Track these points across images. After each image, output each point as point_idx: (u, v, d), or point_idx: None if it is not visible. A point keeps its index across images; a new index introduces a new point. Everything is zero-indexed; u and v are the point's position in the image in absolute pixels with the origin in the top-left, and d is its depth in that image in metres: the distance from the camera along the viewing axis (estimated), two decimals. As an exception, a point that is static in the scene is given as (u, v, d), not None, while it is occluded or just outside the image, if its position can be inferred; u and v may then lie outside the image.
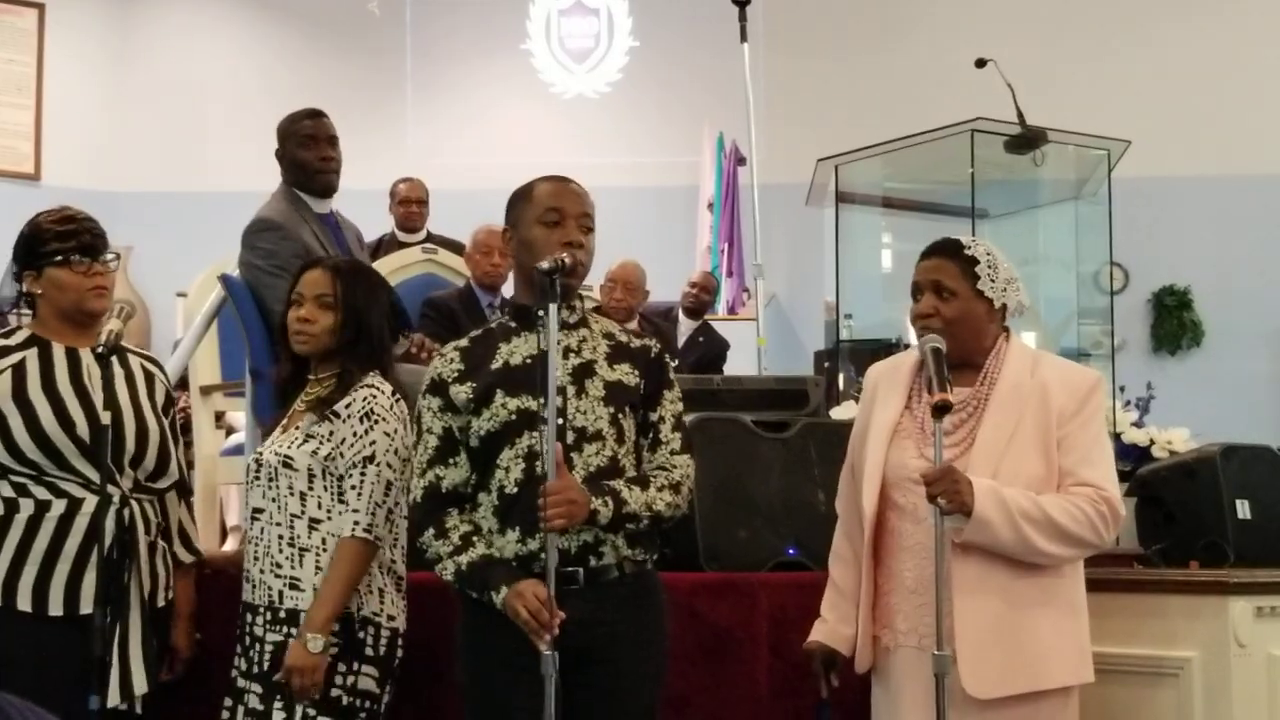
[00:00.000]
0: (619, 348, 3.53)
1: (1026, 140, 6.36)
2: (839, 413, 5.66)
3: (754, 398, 5.29)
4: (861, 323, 7.07)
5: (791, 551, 4.52)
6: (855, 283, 7.13)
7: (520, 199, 3.52)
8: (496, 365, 3.43)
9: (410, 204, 8.54)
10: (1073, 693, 3.53)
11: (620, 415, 3.43)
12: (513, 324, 3.52)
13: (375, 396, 3.78)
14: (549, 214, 3.44)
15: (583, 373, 3.42)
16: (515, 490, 3.35)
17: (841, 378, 6.75)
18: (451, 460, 3.43)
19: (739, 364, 8.84)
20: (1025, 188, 6.90)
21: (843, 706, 3.78)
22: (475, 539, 3.38)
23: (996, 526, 3.38)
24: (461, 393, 3.41)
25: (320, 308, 3.88)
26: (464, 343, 3.53)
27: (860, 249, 7.22)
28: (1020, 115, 6.33)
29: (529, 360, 3.40)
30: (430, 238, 8.22)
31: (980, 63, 6.46)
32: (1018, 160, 6.53)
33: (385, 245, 8.13)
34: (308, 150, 5.23)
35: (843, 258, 6.95)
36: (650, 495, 3.39)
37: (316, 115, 5.32)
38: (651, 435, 3.51)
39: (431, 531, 3.41)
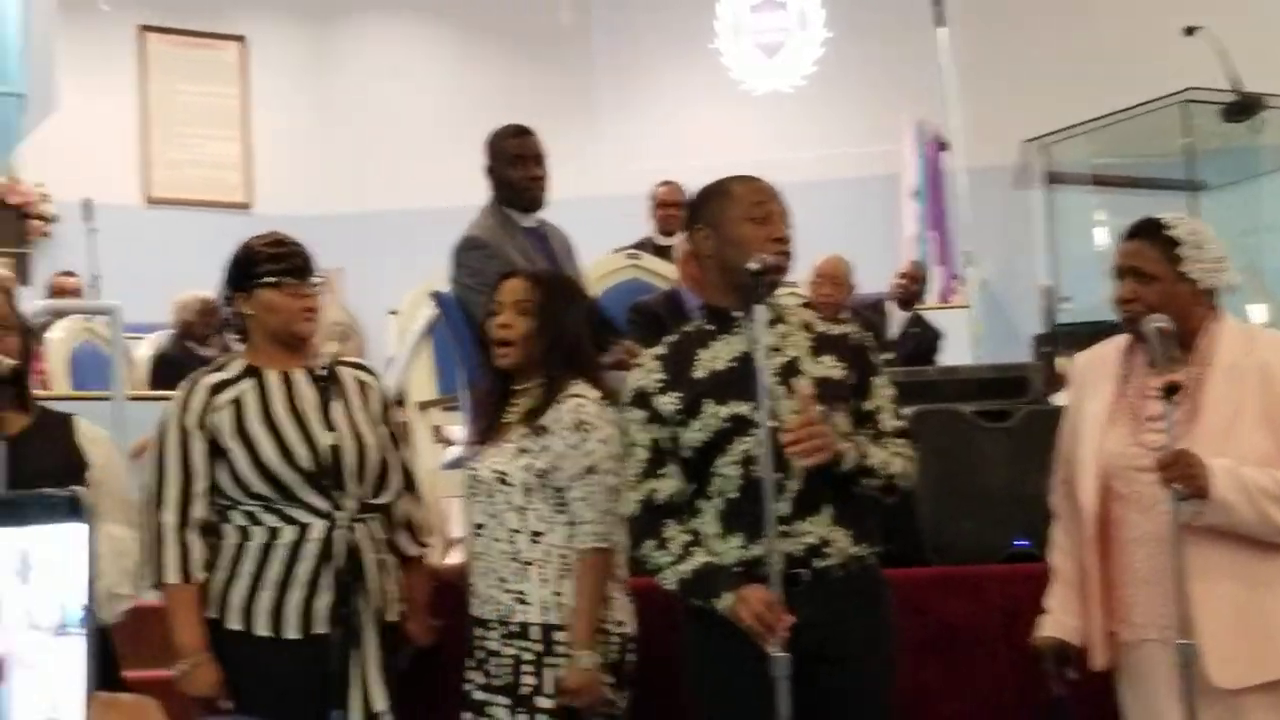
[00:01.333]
0: (821, 339, 3.46)
1: (1243, 107, 6.18)
2: (1061, 399, 5.53)
3: (972, 387, 5.19)
4: (1079, 304, 6.92)
5: (1020, 542, 4.42)
6: (1069, 264, 7.00)
7: (716, 197, 3.46)
8: (700, 373, 3.38)
9: (668, 207, 8.50)
10: None
11: (831, 411, 3.35)
12: (709, 327, 3.46)
13: (583, 405, 3.76)
14: (755, 209, 3.39)
15: (788, 371, 3.36)
16: (737, 496, 3.31)
17: (1058, 361, 6.60)
18: (662, 472, 3.39)
19: (953, 353, 8.71)
20: (1244, 156, 6.70)
21: (1080, 700, 3.67)
22: (694, 548, 3.34)
23: (1237, 507, 3.26)
24: (668, 403, 3.37)
25: (518, 314, 3.87)
26: (661, 350, 3.48)
27: (1072, 229, 7.08)
28: (1236, 81, 6.13)
29: (734, 364, 3.36)
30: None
31: (1189, 30, 6.29)
32: (1234, 128, 6.34)
33: (645, 248, 8.11)
34: (515, 168, 5.27)
35: (1055, 239, 6.82)
36: (888, 456, 3.36)
37: (523, 133, 5.34)
38: (871, 427, 3.44)
39: (651, 543, 3.38)
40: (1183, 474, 3.24)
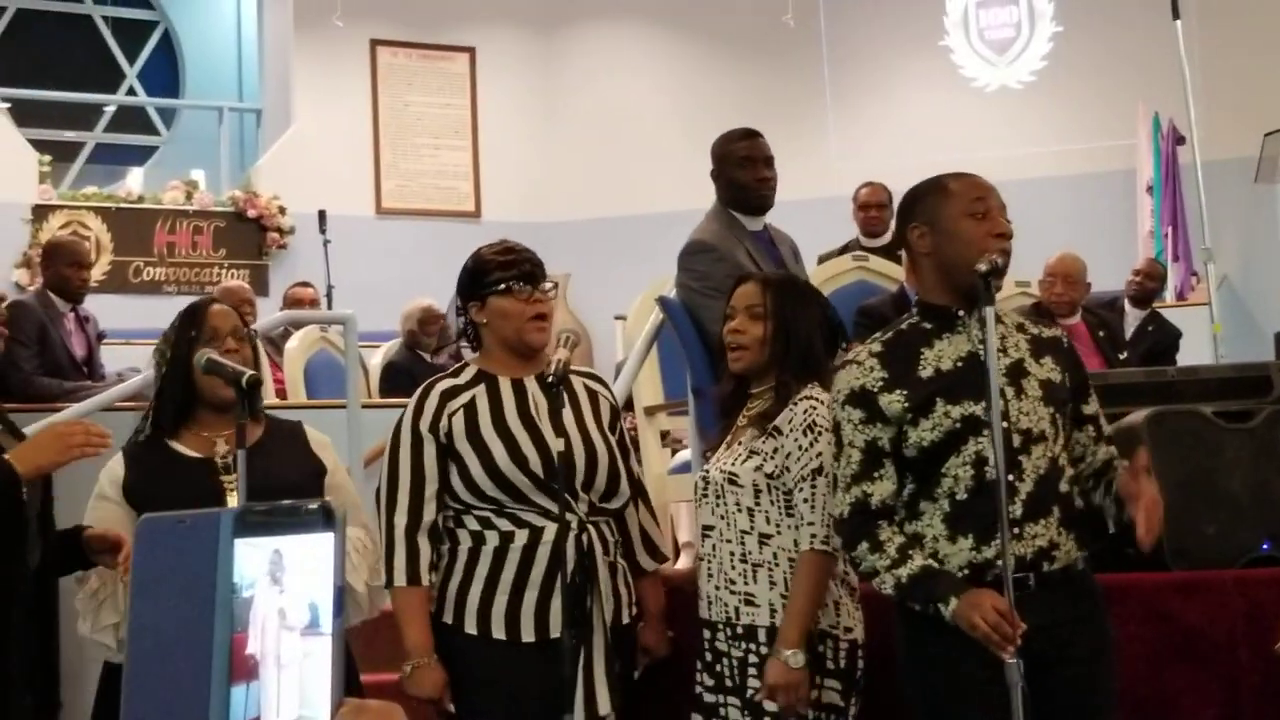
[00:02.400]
0: (1036, 341, 3.43)
1: None
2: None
3: (1212, 387, 5.04)
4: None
5: (1266, 546, 4.29)
6: (1313, 259, 6.77)
7: (932, 193, 3.42)
8: (926, 372, 3.33)
9: (870, 209, 8.49)
10: None
11: (1058, 414, 3.34)
12: (927, 325, 3.40)
13: (815, 408, 3.75)
14: (976, 204, 3.34)
15: (1017, 372, 3.33)
16: (966, 497, 3.27)
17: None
18: (877, 474, 3.34)
19: (1192, 352, 8.49)
20: None
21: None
22: (912, 551, 3.28)
23: None
24: (894, 402, 3.31)
25: (751, 319, 3.89)
26: (877, 347, 3.41)
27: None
28: None
29: (960, 364, 3.32)
30: (894, 242, 8.15)
31: None
32: None
33: (850, 250, 8.10)
34: (744, 170, 5.25)
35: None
36: None
37: (752, 135, 5.33)
38: (1094, 429, 3.45)
39: (865, 545, 3.32)
40: None
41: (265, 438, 3.89)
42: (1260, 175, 6.83)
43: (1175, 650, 4.12)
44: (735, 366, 3.93)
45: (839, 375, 3.43)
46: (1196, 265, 9.98)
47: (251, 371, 3.66)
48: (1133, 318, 8.79)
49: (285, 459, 3.88)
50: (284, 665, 1.48)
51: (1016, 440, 3.26)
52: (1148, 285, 9.02)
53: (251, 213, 12.31)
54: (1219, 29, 11.20)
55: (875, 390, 3.34)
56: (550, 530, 3.81)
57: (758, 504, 3.77)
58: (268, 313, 9.45)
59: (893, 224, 8.28)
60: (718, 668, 3.81)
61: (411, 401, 3.98)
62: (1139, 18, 10.70)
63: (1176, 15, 7.24)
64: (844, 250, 8.00)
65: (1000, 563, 3.14)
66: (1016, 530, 3.21)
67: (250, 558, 1.48)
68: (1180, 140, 10.40)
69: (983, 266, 3.19)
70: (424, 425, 3.90)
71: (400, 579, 3.82)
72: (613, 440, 4.03)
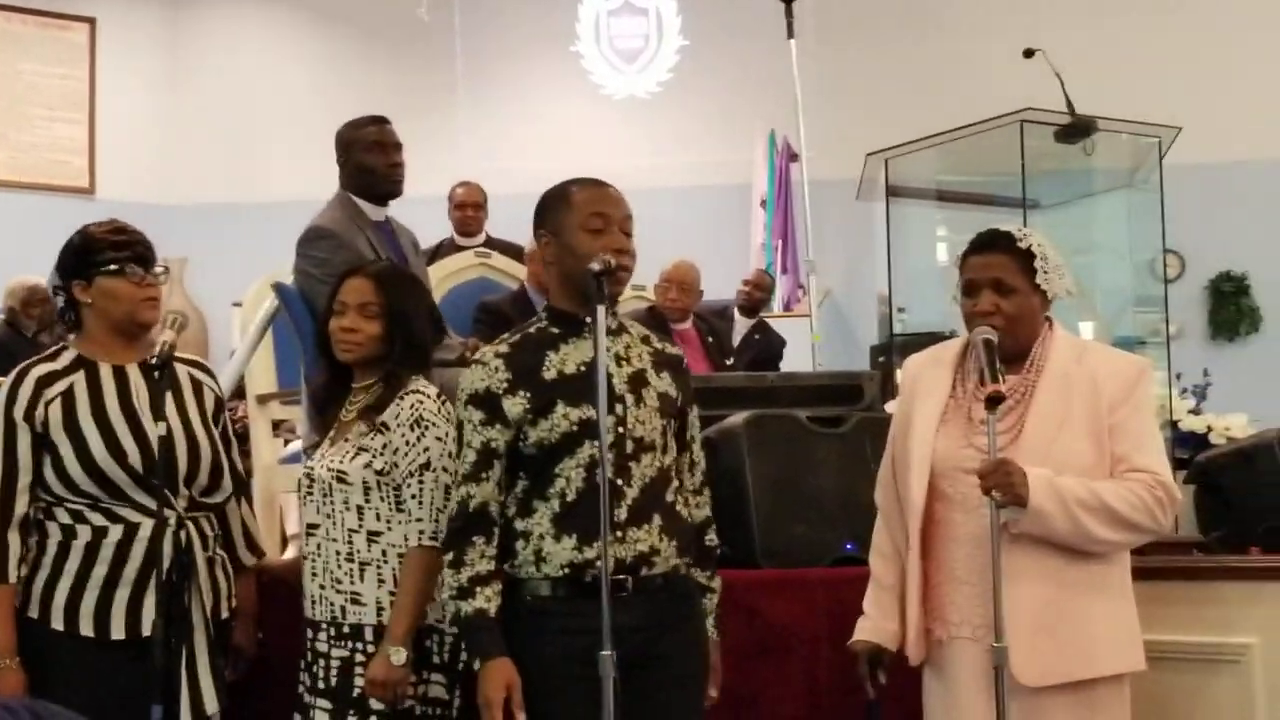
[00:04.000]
0: (659, 355, 3.51)
1: (1076, 129, 6.35)
2: (894, 407, 5.65)
3: (809, 394, 5.28)
4: (916, 316, 7.07)
5: (850, 547, 4.51)
6: (909, 276, 7.13)
7: (556, 203, 3.45)
8: (550, 374, 3.36)
9: (466, 208, 8.53)
10: (1125, 680, 3.52)
11: (668, 426, 3.43)
12: (555, 330, 3.44)
13: (422, 402, 3.75)
14: (593, 220, 3.37)
15: (638, 381, 3.40)
16: (575, 498, 3.32)
17: (897, 372, 6.73)
18: (485, 475, 3.36)
19: (796, 361, 8.82)
20: (1077, 177, 6.88)
21: (899, 701, 3.77)
22: (479, 588, 3.30)
23: (1053, 517, 3.37)
24: (516, 404, 3.33)
25: (365, 317, 3.84)
26: (504, 349, 3.42)
27: (913, 242, 7.22)
28: (1070, 104, 6.31)
29: (583, 368, 3.36)
30: (489, 242, 8.22)
31: (1029, 53, 6.46)
32: (1069, 149, 6.52)
33: (444, 250, 8.14)
34: (373, 155, 5.21)
35: (895, 251, 6.96)
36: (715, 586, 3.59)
37: (381, 121, 5.31)
38: (687, 454, 3.54)
39: (452, 555, 3.35)
40: (1002, 483, 3.33)
41: None
42: (862, 193, 7.16)
43: (762, 645, 4.30)
44: (344, 357, 3.88)
45: (464, 375, 3.44)
46: (803, 278, 10.38)
47: None
48: (741, 326, 9.04)
49: None
50: None
51: (629, 446, 3.32)
52: (756, 295, 9.30)
53: None
54: (831, 51, 11.63)
55: (499, 392, 3.35)
56: (146, 527, 3.73)
57: (367, 501, 3.73)
58: None
59: (486, 224, 8.41)
60: (315, 668, 3.75)
61: (4, 387, 3.84)
62: (759, 36, 11.01)
63: (791, 34, 7.51)
64: (437, 249, 8.05)
65: (599, 563, 3.20)
66: (620, 534, 3.27)
67: None
68: (794, 157, 10.79)
69: (596, 266, 3.24)
70: (18, 413, 3.77)
71: None
72: (215, 433, 3.98)
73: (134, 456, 3.74)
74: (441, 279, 6.59)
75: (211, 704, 3.78)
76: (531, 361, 3.38)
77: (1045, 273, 3.56)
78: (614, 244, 3.35)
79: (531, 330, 3.47)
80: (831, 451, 4.69)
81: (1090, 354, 3.63)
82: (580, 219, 3.38)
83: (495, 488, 3.37)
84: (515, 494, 3.39)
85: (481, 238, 8.39)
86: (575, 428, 3.31)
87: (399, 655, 3.58)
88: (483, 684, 3.24)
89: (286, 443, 6.41)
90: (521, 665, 3.31)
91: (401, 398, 3.77)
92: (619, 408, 3.31)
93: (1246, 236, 11.57)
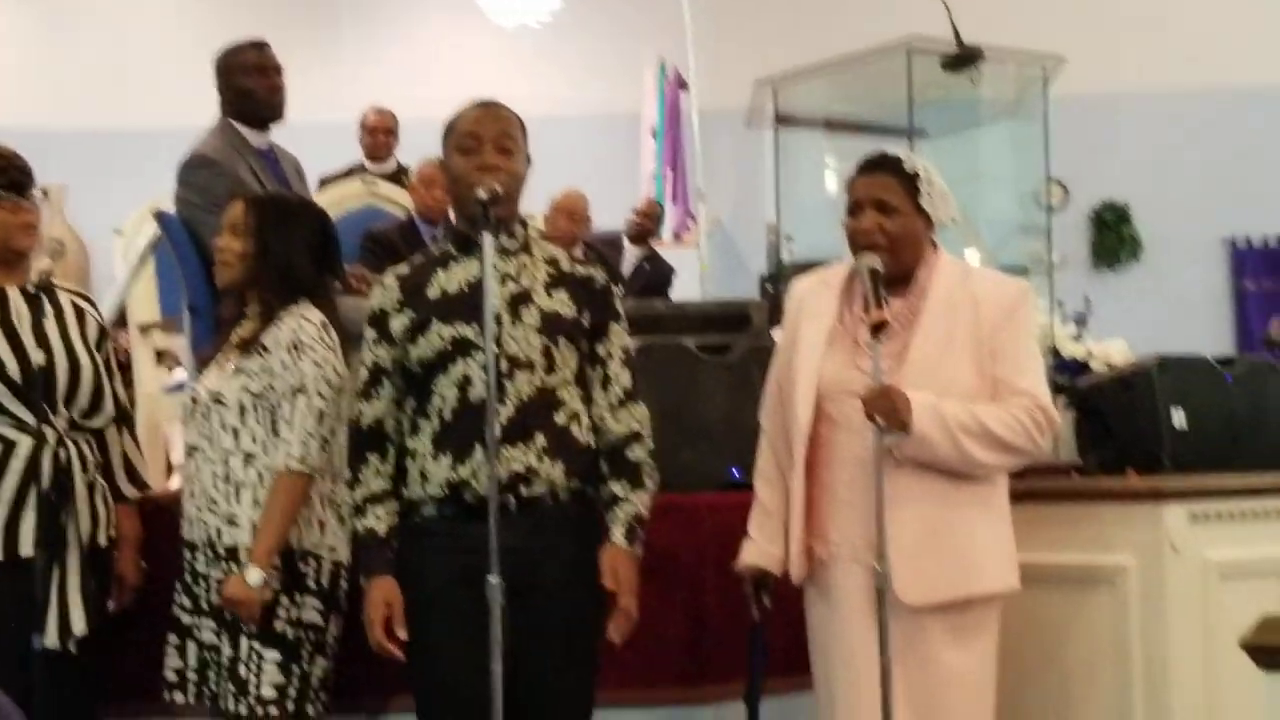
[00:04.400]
0: (560, 275, 3.50)
1: (963, 59, 6.37)
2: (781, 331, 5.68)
3: (697, 322, 5.29)
4: (804, 244, 7.10)
5: (735, 472, 4.54)
6: (797, 205, 7.15)
7: (447, 128, 3.50)
8: (433, 293, 3.41)
9: (377, 133, 8.45)
10: (999, 601, 3.60)
11: (553, 346, 3.41)
12: (452, 250, 3.49)
13: (303, 326, 3.77)
14: (465, 140, 3.42)
15: (519, 300, 3.40)
16: (450, 418, 3.35)
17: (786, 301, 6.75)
18: (374, 393, 3.43)
19: (685, 290, 8.85)
20: (963, 107, 6.91)
21: (784, 626, 3.82)
22: (371, 506, 3.39)
23: (935, 442, 3.42)
24: (399, 322, 3.40)
25: (234, 236, 3.88)
26: (404, 270, 3.51)
27: (801, 171, 7.23)
28: (956, 34, 6.33)
29: (466, 288, 3.39)
30: (401, 168, 8.16)
31: (917, -20, 6.46)
32: (956, 79, 6.54)
33: (354, 174, 8.07)
34: (255, 79, 5.17)
35: (784, 180, 6.97)
36: (646, 496, 3.54)
37: (261, 45, 5.26)
38: (600, 370, 3.51)
39: (349, 475, 3.45)
40: (885, 409, 3.37)
41: None
42: (751, 122, 7.16)
43: (648, 569, 4.30)
44: (218, 281, 3.94)
45: (373, 295, 3.50)
46: (692, 207, 10.39)
47: None
48: (631, 255, 9.07)
49: None
50: None
51: (503, 365, 3.33)
52: (645, 224, 9.31)
53: None
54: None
55: (390, 310, 3.42)
56: (25, 444, 3.71)
57: (243, 423, 3.75)
58: None
59: (398, 150, 8.34)
60: (195, 589, 3.77)
61: None
62: (650, -35, 11.01)
63: (680, -37, 7.49)
64: (349, 174, 7.99)
65: (474, 482, 3.27)
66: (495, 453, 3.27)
67: None
68: (684, 86, 10.77)
69: (482, 194, 3.25)
70: None
71: None
72: (99, 358, 3.95)
73: (12, 369, 3.72)
74: (327, 207, 6.51)
75: (80, 625, 3.76)
76: (420, 280, 3.45)
77: (930, 196, 3.59)
78: (479, 163, 3.39)
79: (435, 252, 3.55)
80: (719, 379, 4.72)
81: (973, 278, 3.67)
82: (456, 141, 3.45)
83: (390, 405, 3.42)
84: (406, 413, 3.43)
85: (392, 164, 8.33)
86: (449, 345, 3.35)
87: (254, 576, 3.60)
88: (365, 603, 3.31)
89: (171, 370, 6.35)
90: (407, 586, 3.35)
91: (282, 322, 3.77)
92: (494, 325, 3.29)
93: (1128, 167, 11.73)
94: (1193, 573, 3.95)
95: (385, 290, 3.47)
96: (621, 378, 3.52)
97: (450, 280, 3.43)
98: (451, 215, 3.62)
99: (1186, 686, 3.91)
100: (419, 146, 6.84)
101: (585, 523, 3.46)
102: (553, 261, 3.52)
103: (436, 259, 3.51)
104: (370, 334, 3.45)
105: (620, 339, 3.55)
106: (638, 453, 3.51)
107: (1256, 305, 11.78)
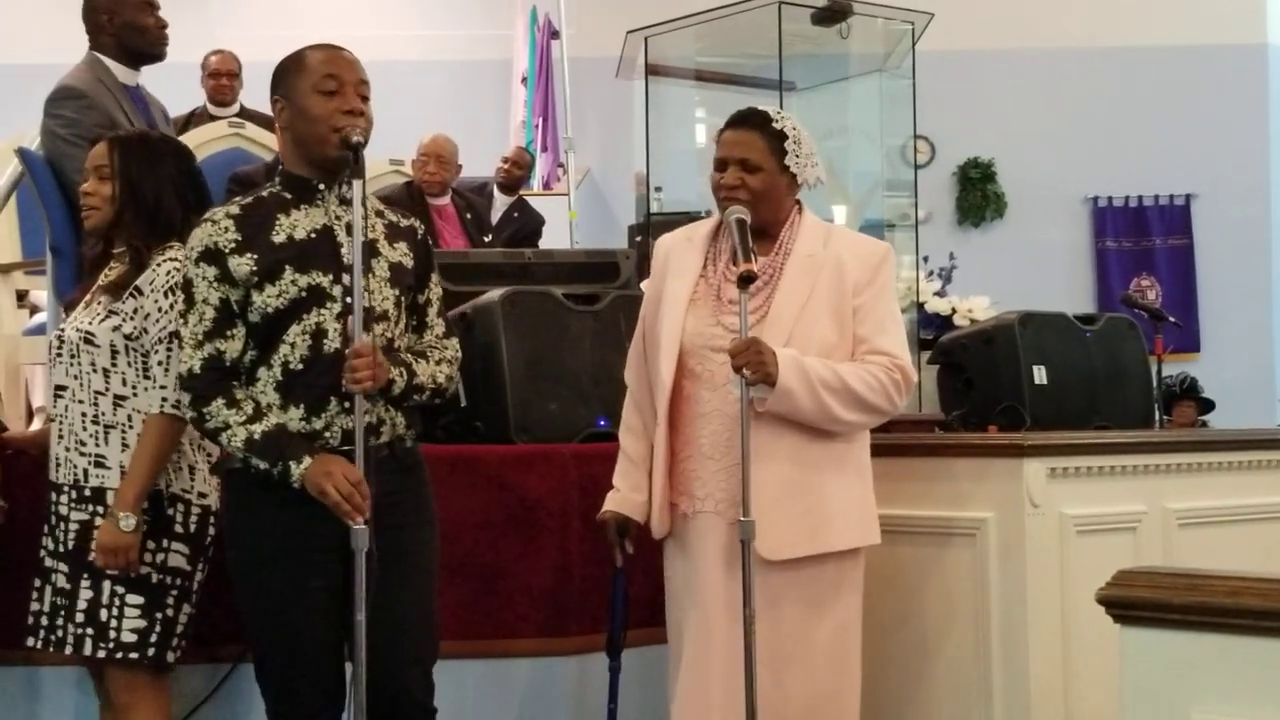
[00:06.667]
0: (393, 227, 3.50)
1: (833, 13, 6.42)
2: (647, 286, 5.70)
3: (565, 271, 5.30)
4: (673, 195, 7.12)
5: (602, 422, 4.56)
6: (666, 156, 7.17)
7: (291, 68, 3.40)
8: (279, 239, 3.33)
9: (221, 76, 8.34)
10: (860, 555, 3.67)
11: (402, 296, 3.44)
12: (288, 195, 3.40)
13: (179, 269, 3.66)
14: (326, 81, 3.34)
15: (370, 252, 3.37)
16: (300, 367, 3.31)
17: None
18: (230, 332, 3.34)
19: (554, 239, 8.84)
20: (832, 61, 6.96)
21: (646, 573, 3.88)
22: (266, 411, 3.32)
23: (798, 396, 3.45)
24: (243, 265, 3.30)
25: (99, 179, 3.81)
26: (235, 210, 3.38)
27: (671, 122, 7.25)
28: (828, -14, 6.37)
29: (314, 235, 3.35)
30: (243, 112, 8.04)
31: (789, -66, 6.49)
32: (825, 33, 6.59)
33: (196, 119, 7.96)
34: (146, 15, 5.11)
35: (654, 131, 6.98)
36: (432, 369, 3.45)
37: None
38: (417, 319, 3.53)
39: (221, 400, 3.31)
40: (752, 361, 3.40)
41: None
42: (621, 72, 7.15)
43: (514, 519, 4.33)
44: (86, 224, 3.86)
45: (194, 233, 3.39)
46: (562, 156, 10.37)
47: None
48: (500, 203, 9.03)
49: None
50: None
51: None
52: (515, 173, 9.28)
53: None
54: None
55: (226, 250, 3.31)
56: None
57: (114, 364, 3.69)
58: None
59: (241, 93, 8.23)
60: (56, 532, 3.72)
61: None
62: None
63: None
64: (190, 117, 7.88)
65: (328, 434, 3.29)
66: (346, 404, 3.28)
67: None
68: (555, 34, 10.73)
69: (356, 138, 3.24)
70: None
71: None
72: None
73: None
74: (193, 148, 6.43)
75: None
76: (261, 224, 3.35)
77: (796, 156, 3.62)
78: (346, 105, 3.33)
79: (265, 194, 3.44)
80: (586, 328, 4.72)
81: (836, 238, 3.72)
82: (313, 80, 3.35)
83: (244, 345, 3.35)
84: (244, 361, 3.37)
85: (235, 108, 8.22)
86: (304, 294, 3.31)
87: (127, 521, 3.55)
88: (318, 481, 3.22)
89: (33, 314, 6.23)
90: (250, 539, 3.37)
91: (158, 265, 3.71)
92: (346, 278, 3.29)
93: (994, 124, 11.89)
94: (1050, 527, 4.02)
95: (218, 228, 3.34)
96: (437, 326, 3.57)
97: (296, 227, 3.36)
98: (284, 158, 3.48)
99: (1043, 639, 3.98)
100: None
101: (416, 468, 3.52)
102: (381, 214, 3.52)
103: (272, 202, 3.40)
104: (210, 270, 3.31)
105: (436, 288, 3.59)
106: (440, 355, 3.53)
107: (1116, 263, 12.05)
